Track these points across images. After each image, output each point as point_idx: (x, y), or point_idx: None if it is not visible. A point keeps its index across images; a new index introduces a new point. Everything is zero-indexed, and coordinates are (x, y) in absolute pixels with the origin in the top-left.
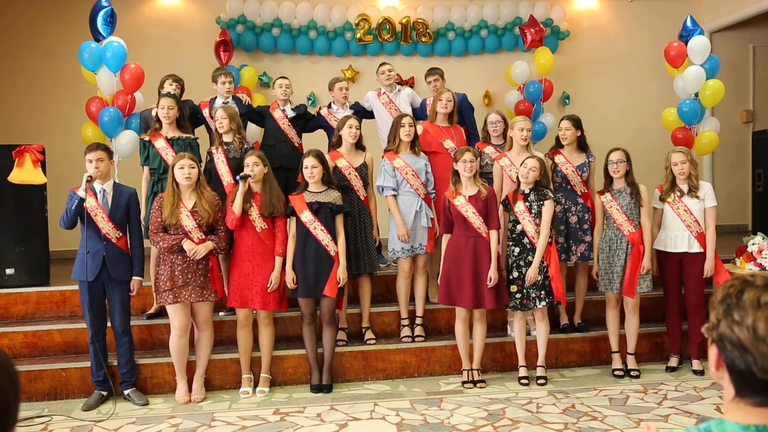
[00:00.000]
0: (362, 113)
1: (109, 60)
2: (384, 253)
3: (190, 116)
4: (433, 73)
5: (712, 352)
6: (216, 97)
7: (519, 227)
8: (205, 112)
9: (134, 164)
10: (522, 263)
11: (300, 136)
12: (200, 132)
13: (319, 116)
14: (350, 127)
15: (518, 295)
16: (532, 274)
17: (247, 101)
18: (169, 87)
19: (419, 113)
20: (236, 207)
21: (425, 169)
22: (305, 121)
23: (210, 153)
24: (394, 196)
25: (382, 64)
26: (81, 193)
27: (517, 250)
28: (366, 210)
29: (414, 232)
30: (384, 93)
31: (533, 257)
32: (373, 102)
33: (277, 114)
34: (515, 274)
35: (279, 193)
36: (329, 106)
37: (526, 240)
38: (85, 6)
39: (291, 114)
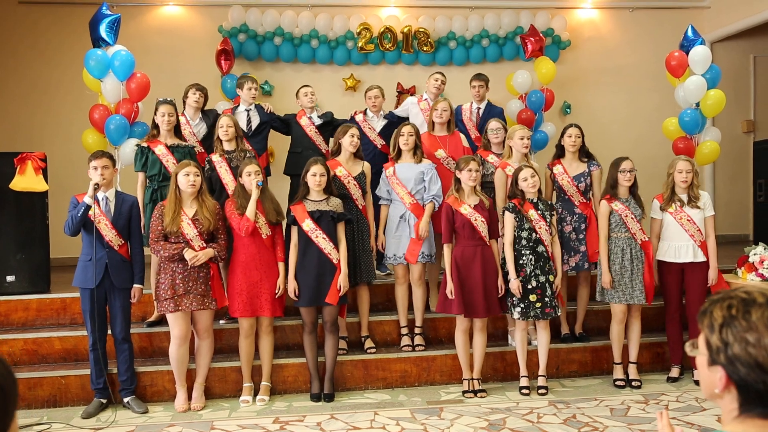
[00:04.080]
0: (396, 123)
1: (117, 68)
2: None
3: (213, 125)
4: (478, 79)
5: (716, 373)
6: (238, 105)
7: (534, 236)
8: None
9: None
10: (539, 272)
11: (327, 143)
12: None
13: (352, 121)
14: (351, 136)
15: (539, 305)
16: (558, 284)
17: (269, 109)
18: (193, 96)
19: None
20: (251, 213)
21: (420, 177)
22: (333, 127)
23: (210, 161)
24: (386, 205)
25: (436, 72)
26: (88, 200)
27: (534, 258)
28: (364, 219)
29: (398, 241)
30: (425, 99)
31: (549, 266)
32: (411, 108)
33: (303, 121)
34: (534, 283)
35: (276, 200)
36: (365, 113)
37: (541, 248)
38: (87, 13)
39: (318, 121)
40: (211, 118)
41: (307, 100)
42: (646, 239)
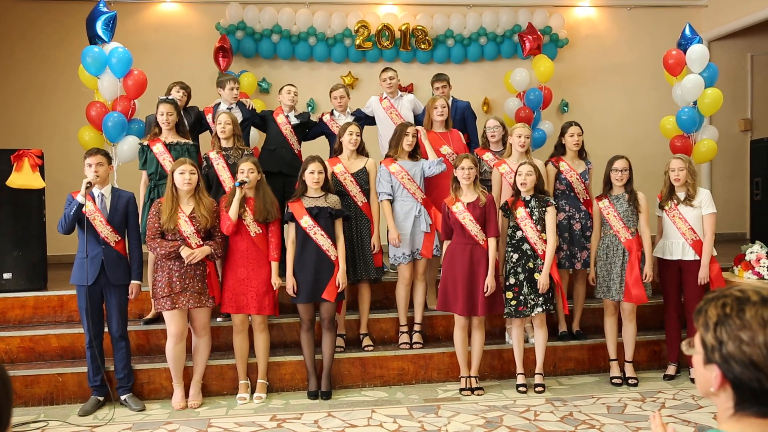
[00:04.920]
0: (364, 120)
1: (114, 65)
2: (385, 260)
3: (194, 122)
4: (440, 80)
5: (711, 372)
6: (220, 103)
7: (519, 234)
8: (209, 118)
9: (133, 169)
10: (520, 270)
11: (300, 144)
12: (204, 138)
13: (321, 123)
14: (351, 134)
15: (513, 302)
16: (543, 281)
17: (251, 106)
18: (176, 94)
19: (421, 119)
20: (232, 213)
21: (422, 173)
22: (308, 129)
23: (208, 158)
24: (390, 201)
25: (385, 70)
26: (80, 198)
27: (515, 256)
28: (364, 216)
29: (413, 237)
30: (386, 98)
31: (533, 264)
32: (375, 107)
33: (280, 119)
34: (512, 280)
35: (272, 198)
36: (332, 113)
37: (526, 246)
38: (84, 10)
39: (294, 121)
40: (192, 115)
41: (288, 98)
42: (631, 237)
